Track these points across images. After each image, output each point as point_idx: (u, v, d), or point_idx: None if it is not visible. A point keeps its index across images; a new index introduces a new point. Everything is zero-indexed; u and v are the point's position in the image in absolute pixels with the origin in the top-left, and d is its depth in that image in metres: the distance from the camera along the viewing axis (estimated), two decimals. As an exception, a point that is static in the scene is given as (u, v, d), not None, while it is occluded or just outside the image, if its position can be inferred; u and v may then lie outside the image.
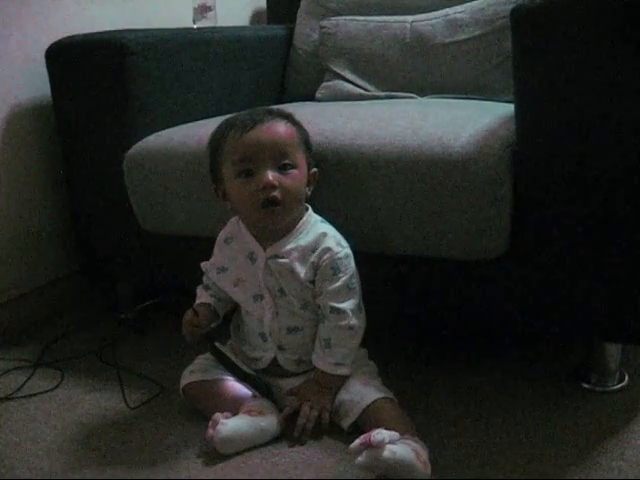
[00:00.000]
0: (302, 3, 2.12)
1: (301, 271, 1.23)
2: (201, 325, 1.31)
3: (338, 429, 1.22)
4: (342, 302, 1.23)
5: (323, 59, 1.98)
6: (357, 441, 1.07)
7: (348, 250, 1.25)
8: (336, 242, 1.24)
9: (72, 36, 1.61)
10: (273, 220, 1.22)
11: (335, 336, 1.23)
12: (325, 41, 1.98)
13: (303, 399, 1.24)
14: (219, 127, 1.28)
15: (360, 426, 1.18)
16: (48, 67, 1.63)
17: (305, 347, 1.29)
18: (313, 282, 1.24)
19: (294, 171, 1.22)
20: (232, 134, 1.23)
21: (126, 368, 1.49)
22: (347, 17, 1.98)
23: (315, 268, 1.24)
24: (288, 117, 1.27)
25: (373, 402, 1.19)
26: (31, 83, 1.71)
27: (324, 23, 1.99)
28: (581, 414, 1.25)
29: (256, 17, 2.34)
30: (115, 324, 1.75)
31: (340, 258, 1.23)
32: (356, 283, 1.25)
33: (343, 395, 1.23)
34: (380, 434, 1.05)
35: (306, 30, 2.07)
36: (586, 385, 1.33)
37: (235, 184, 1.23)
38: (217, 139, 1.27)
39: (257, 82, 1.98)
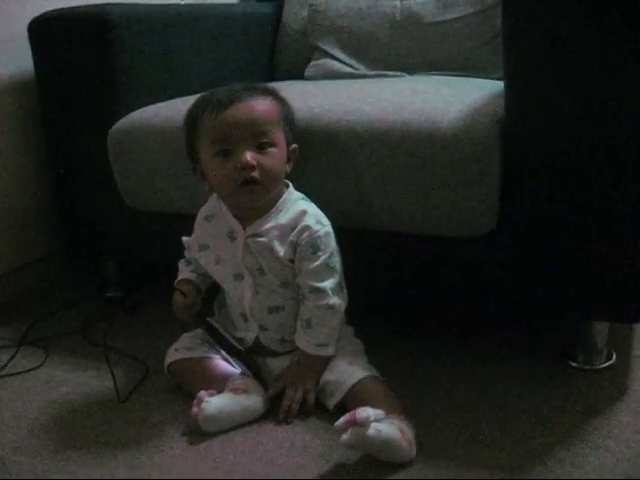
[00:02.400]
0: None
1: (280, 250, 1.22)
2: (193, 304, 1.30)
3: (324, 409, 1.21)
4: (322, 281, 1.21)
5: (312, 37, 1.96)
6: (342, 419, 1.06)
7: (328, 228, 1.23)
8: (316, 220, 1.22)
9: (56, 9, 1.58)
10: (252, 199, 1.20)
11: (316, 316, 1.22)
12: (314, 19, 1.96)
13: (287, 381, 1.23)
14: (194, 105, 1.25)
15: (346, 405, 1.17)
16: (31, 41, 1.60)
17: (287, 327, 1.28)
18: (293, 261, 1.23)
19: (273, 149, 1.19)
20: (208, 113, 1.19)
21: (111, 347, 1.47)
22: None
23: (294, 247, 1.22)
24: (268, 92, 1.24)
25: (359, 381, 1.18)
26: (13, 58, 1.68)
27: (313, 1, 1.97)
28: (568, 392, 1.25)
29: None
30: (101, 303, 1.74)
31: (320, 236, 1.21)
32: (336, 262, 1.23)
33: (328, 375, 1.22)
34: (365, 412, 1.04)
35: (295, 7, 2.05)
36: (573, 363, 1.33)
37: (213, 164, 1.20)
38: (193, 118, 1.24)
39: (245, 60, 1.95)
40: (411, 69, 1.81)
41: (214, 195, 1.30)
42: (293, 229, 1.22)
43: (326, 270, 1.21)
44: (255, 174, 1.17)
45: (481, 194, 1.19)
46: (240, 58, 1.93)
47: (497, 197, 1.20)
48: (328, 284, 1.21)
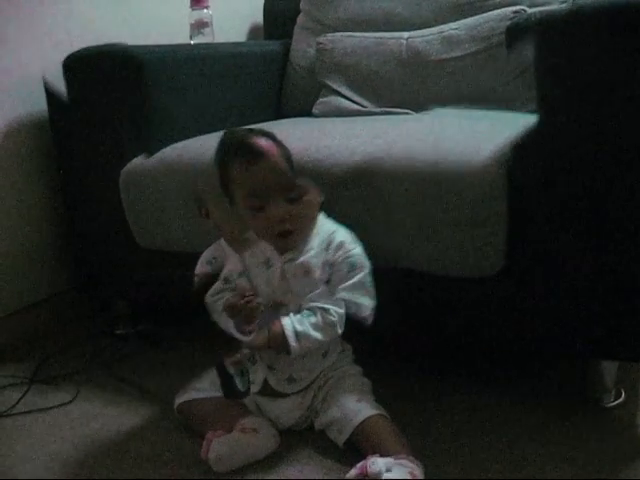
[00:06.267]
0: (298, 19, 2.13)
1: (317, 270, 1.23)
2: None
3: (333, 446, 1.21)
4: (359, 296, 1.22)
5: (320, 75, 1.99)
6: (354, 471, 1.08)
7: (361, 248, 1.25)
8: (349, 239, 1.25)
9: (89, 47, 1.63)
10: (289, 245, 1.24)
11: (321, 325, 1.21)
12: (322, 57, 1.99)
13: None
14: (223, 152, 1.27)
15: (355, 443, 1.17)
16: (65, 77, 1.63)
17: (295, 363, 1.26)
18: (327, 282, 1.24)
19: (304, 198, 1.22)
20: (238, 163, 1.22)
21: (134, 383, 1.50)
22: (343, 33, 1.99)
23: (330, 266, 1.24)
24: (271, 137, 1.26)
25: (366, 419, 1.18)
26: (28, 99, 1.71)
27: (320, 39, 2.00)
28: (577, 431, 1.25)
29: (253, 33, 2.34)
30: (112, 339, 1.75)
31: (355, 254, 1.23)
32: (371, 283, 1.23)
33: (335, 412, 1.22)
34: (376, 464, 1.06)
35: (303, 46, 2.08)
36: (583, 402, 1.32)
37: (248, 215, 1.23)
38: (224, 163, 1.25)
39: (254, 98, 1.98)
40: (417, 106, 1.82)
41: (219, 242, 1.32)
42: (327, 248, 1.24)
43: (363, 287, 1.22)
44: (288, 227, 1.20)
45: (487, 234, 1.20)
46: (248, 96, 1.95)
47: (505, 237, 1.21)
48: (367, 300, 1.22)
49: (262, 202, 1.21)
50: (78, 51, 1.63)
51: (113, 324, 1.79)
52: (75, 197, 1.70)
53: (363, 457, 1.11)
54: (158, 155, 1.53)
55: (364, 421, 1.18)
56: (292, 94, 2.08)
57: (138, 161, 1.53)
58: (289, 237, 1.22)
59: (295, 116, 1.97)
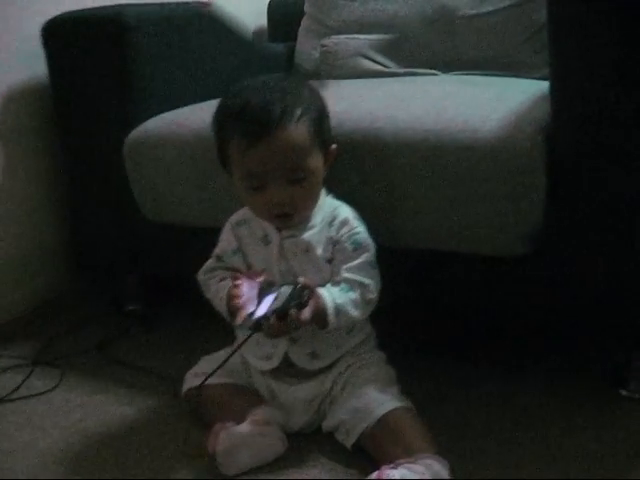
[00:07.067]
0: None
1: (318, 247, 1.17)
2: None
3: (341, 448, 1.15)
4: (366, 277, 1.16)
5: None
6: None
7: (364, 226, 1.19)
8: (353, 216, 1.19)
9: (69, 12, 1.54)
10: (287, 225, 1.18)
11: (356, 299, 1.15)
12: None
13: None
14: (220, 120, 1.18)
15: (362, 446, 1.12)
16: (44, 44, 1.56)
17: (318, 337, 1.18)
18: (330, 261, 1.18)
19: (307, 179, 1.14)
20: (236, 141, 1.12)
21: (130, 365, 1.45)
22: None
23: (334, 243, 1.18)
24: (296, 108, 1.12)
25: (376, 421, 1.11)
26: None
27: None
28: (618, 423, 1.18)
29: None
30: (119, 319, 1.68)
31: (359, 233, 1.17)
32: (376, 263, 1.18)
33: (344, 414, 1.16)
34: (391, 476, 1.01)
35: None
36: (624, 392, 1.25)
37: (246, 194, 1.17)
38: (221, 137, 1.17)
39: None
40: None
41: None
42: (330, 224, 1.18)
43: (369, 269, 1.17)
44: (287, 209, 1.14)
45: (524, 210, 1.14)
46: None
47: (542, 214, 1.15)
48: (373, 283, 1.16)
49: (261, 182, 1.13)
50: (58, 15, 1.54)
51: (122, 301, 1.73)
52: (78, 167, 1.65)
53: (370, 460, 1.08)
54: (164, 122, 1.47)
55: (372, 425, 1.11)
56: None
57: (142, 129, 1.47)
58: (288, 219, 1.16)
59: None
